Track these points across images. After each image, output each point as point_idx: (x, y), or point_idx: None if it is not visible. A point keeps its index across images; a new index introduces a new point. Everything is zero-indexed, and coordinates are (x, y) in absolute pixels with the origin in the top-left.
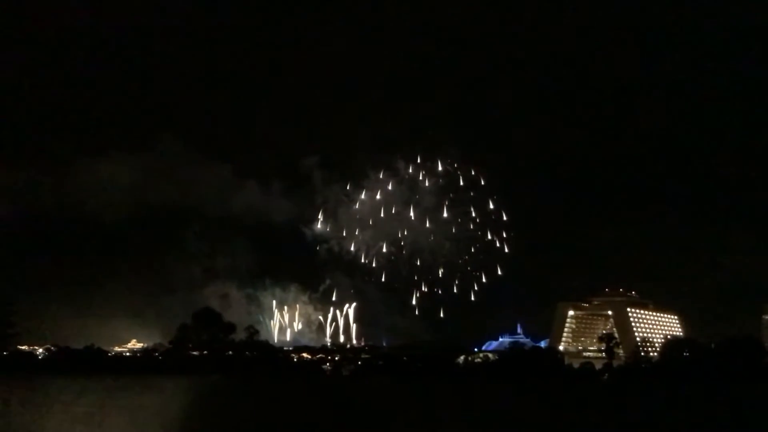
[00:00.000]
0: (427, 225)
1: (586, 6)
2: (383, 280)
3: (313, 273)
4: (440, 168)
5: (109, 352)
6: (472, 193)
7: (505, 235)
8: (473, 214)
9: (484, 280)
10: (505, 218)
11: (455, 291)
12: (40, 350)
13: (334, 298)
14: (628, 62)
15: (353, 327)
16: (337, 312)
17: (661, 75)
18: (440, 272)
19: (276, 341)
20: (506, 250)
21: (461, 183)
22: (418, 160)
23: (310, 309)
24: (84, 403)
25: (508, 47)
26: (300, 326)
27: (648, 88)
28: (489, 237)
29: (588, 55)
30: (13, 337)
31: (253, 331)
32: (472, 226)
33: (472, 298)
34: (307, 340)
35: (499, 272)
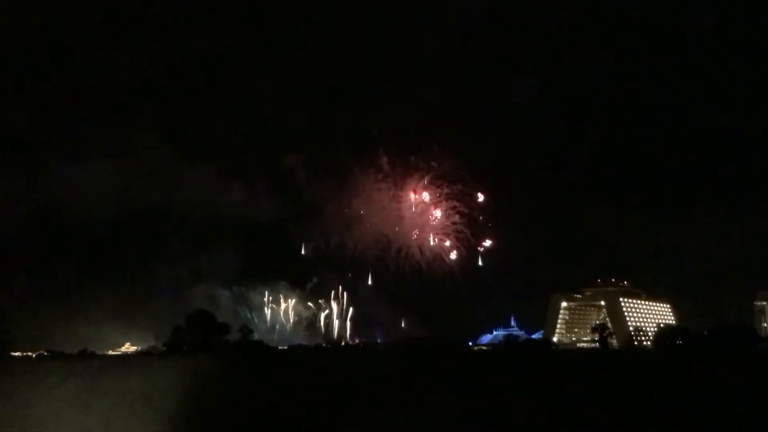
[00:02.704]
0: (415, 220)
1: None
2: (372, 276)
3: (301, 271)
4: (425, 163)
5: (103, 356)
6: (460, 187)
7: (494, 229)
8: (462, 209)
9: (475, 273)
10: (494, 211)
11: (446, 286)
12: (34, 356)
13: (323, 296)
14: (622, 57)
15: (347, 325)
16: (329, 310)
17: (653, 70)
18: (430, 267)
19: (268, 341)
20: (496, 244)
21: (449, 178)
22: (405, 157)
23: (300, 307)
24: (71, 385)
25: (499, 42)
26: (292, 325)
27: (640, 81)
28: (478, 231)
29: (582, 51)
30: (7, 343)
31: (247, 331)
32: (460, 220)
33: (465, 292)
34: (300, 339)
35: (490, 266)
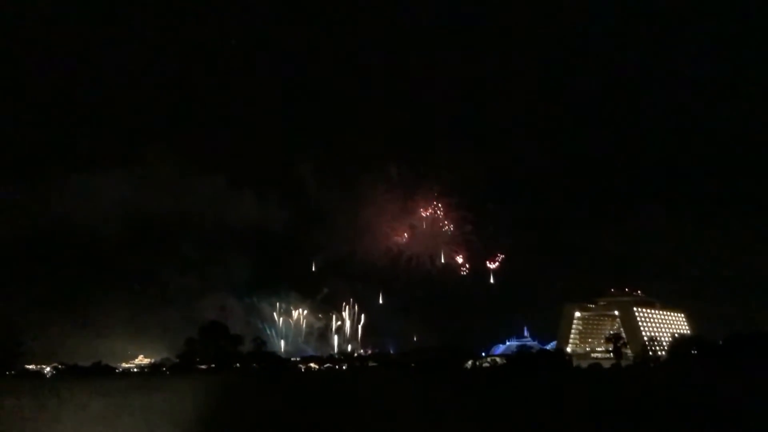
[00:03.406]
0: (425, 230)
1: (583, 4)
2: (383, 286)
3: (311, 281)
4: (434, 172)
5: (116, 368)
6: (469, 196)
7: (505, 239)
8: (472, 218)
9: (486, 285)
10: (505, 220)
11: (459, 295)
12: (48, 369)
13: (334, 306)
14: (629, 60)
15: (359, 334)
16: (340, 320)
17: (663, 71)
18: (441, 277)
19: (281, 352)
20: (507, 254)
21: (459, 187)
22: (413, 166)
23: (311, 318)
24: (96, 404)
25: (503, 47)
26: (303, 336)
27: (652, 84)
28: (489, 240)
29: (587, 55)
30: (22, 356)
31: (260, 342)
32: (470, 230)
33: (477, 303)
34: (312, 350)
35: (502, 276)
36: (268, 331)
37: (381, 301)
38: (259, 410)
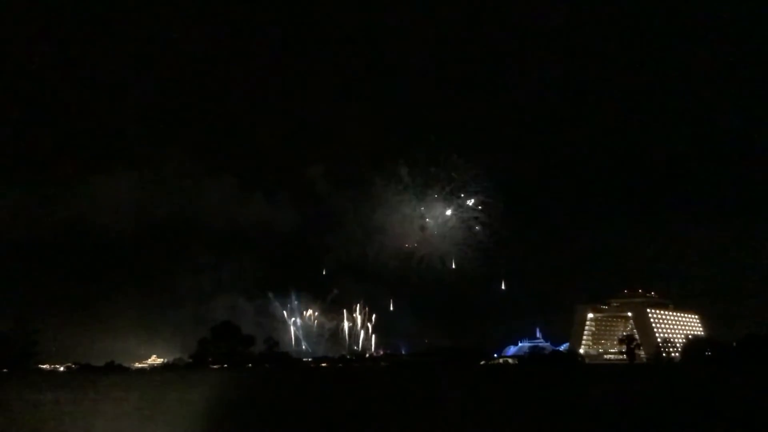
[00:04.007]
0: (435, 231)
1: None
2: (394, 287)
3: (322, 282)
4: (445, 173)
5: (129, 368)
6: (482, 198)
7: (517, 239)
8: (483, 219)
9: (502, 285)
10: (517, 221)
11: (471, 297)
12: (62, 368)
13: (345, 308)
14: (634, 63)
15: (371, 336)
16: (351, 321)
17: (670, 73)
18: (452, 278)
19: (293, 352)
20: (519, 254)
21: (470, 188)
22: (423, 166)
23: (323, 319)
24: (133, 398)
25: (511, 49)
26: (315, 337)
27: (657, 86)
28: (500, 241)
29: (594, 56)
30: (37, 355)
31: (272, 343)
32: (481, 230)
33: (489, 304)
34: (323, 350)
35: (515, 277)
36: (279, 332)
37: (392, 303)
38: (291, 405)
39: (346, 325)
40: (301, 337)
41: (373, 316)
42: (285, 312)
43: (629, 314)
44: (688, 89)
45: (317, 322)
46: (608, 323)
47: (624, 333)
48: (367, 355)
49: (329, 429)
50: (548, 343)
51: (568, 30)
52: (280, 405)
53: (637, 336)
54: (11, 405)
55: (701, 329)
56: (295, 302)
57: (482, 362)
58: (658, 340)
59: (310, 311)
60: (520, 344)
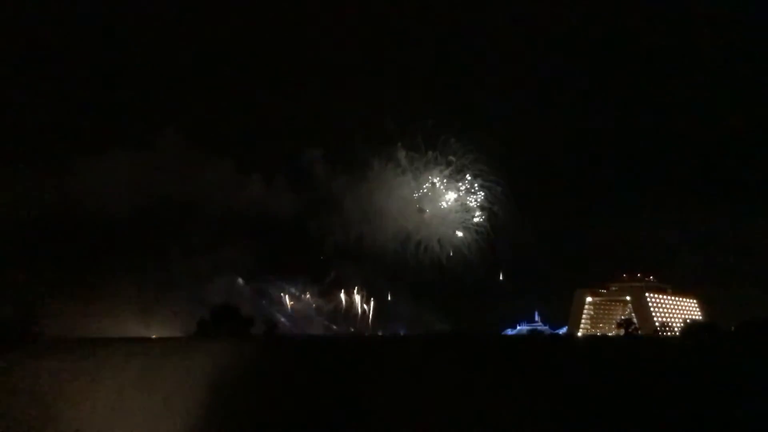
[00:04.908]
0: (434, 214)
1: None
2: (392, 270)
3: (320, 265)
4: (443, 157)
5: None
6: (480, 182)
7: (517, 223)
8: (481, 203)
9: (500, 272)
10: (516, 205)
11: (469, 279)
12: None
13: (343, 291)
14: (633, 50)
15: (369, 318)
16: (349, 304)
17: (669, 60)
18: (450, 262)
19: (292, 335)
20: (519, 238)
21: (468, 172)
22: (422, 150)
23: (320, 302)
24: (135, 365)
25: (510, 36)
26: (312, 319)
27: (659, 70)
28: (499, 225)
29: (594, 44)
30: (37, 337)
31: (271, 324)
32: (480, 214)
33: (488, 288)
34: (321, 333)
35: (514, 261)
36: (277, 315)
37: (390, 286)
38: (292, 373)
39: (343, 307)
40: (298, 318)
41: (372, 299)
42: (283, 294)
43: (628, 298)
44: (693, 77)
45: (315, 305)
46: (607, 307)
47: (622, 317)
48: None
49: (334, 397)
50: (547, 327)
51: (564, 15)
52: (282, 374)
53: (635, 320)
54: (12, 372)
55: (699, 314)
56: (293, 285)
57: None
58: (656, 324)
59: (308, 294)
60: (518, 327)
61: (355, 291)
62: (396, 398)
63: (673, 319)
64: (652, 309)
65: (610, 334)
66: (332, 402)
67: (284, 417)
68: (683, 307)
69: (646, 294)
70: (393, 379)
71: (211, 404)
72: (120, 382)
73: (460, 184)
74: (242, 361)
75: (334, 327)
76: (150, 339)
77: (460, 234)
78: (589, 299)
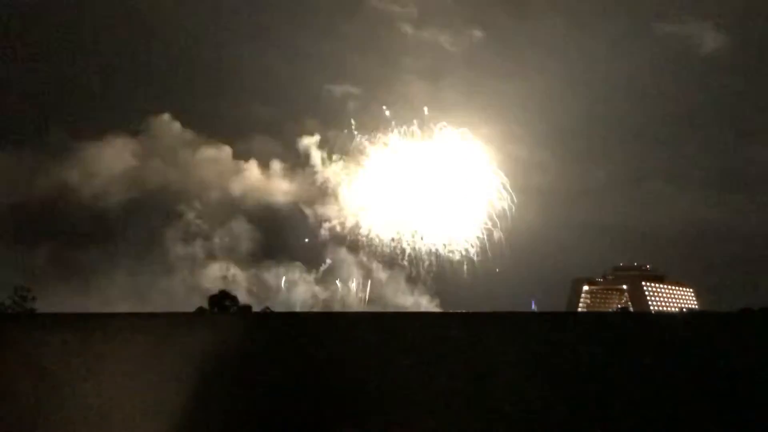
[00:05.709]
0: (431, 201)
1: None
2: (388, 258)
3: (315, 253)
4: (440, 143)
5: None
6: (476, 168)
7: (513, 211)
8: (478, 190)
9: (492, 255)
10: (512, 193)
11: (465, 268)
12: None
13: (338, 278)
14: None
15: (364, 306)
16: (345, 291)
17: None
18: (447, 249)
19: None
20: (516, 226)
21: (466, 160)
22: (416, 136)
23: (316, 289)
24: (141, 340)
25: (507, 20)
26: (308, 306)
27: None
28: (496, 212)
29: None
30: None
31: (269, 312)
32: (477, 201)
33: (483, 276)
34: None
35: (509, 249)
36: (273, 302)
37: (387, 274)
38: (310, 349)
39: (339, 295)
40: (295, 306)
41: (368, 288)
42: (279, 281)
43: (624, 287)
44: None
45: (311, 293)
46: (603, 296)
47: (619, 306)
48: None
49: (338, 371)
50: None
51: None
52: (295, 348)
53: (631, 309)
54: (18, 345)
55: (695, 302)
56: (289, 272)
57: None
58: (653, 312)
59: (303, 281)
60: None
61: (352, 280)
62: (405, 380)
63: (669, 308)
64: (648, 298)
65: None
66: (343, 377)
67: (296, 389)
68: (679, 296)
69: (643, 283)
70: (403, 358)
71: (219, 377)
72: (127, 356)
73: (457, 172)
74: (250, 335)
75: None
76: (156, 314)
77: (454, 221)
78: (585, 288)
